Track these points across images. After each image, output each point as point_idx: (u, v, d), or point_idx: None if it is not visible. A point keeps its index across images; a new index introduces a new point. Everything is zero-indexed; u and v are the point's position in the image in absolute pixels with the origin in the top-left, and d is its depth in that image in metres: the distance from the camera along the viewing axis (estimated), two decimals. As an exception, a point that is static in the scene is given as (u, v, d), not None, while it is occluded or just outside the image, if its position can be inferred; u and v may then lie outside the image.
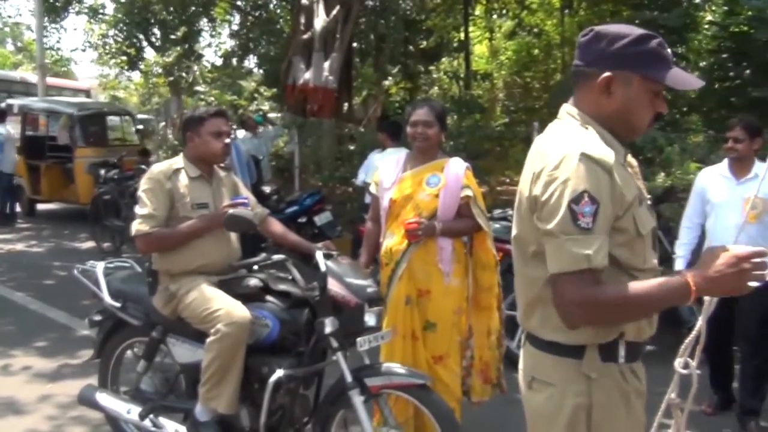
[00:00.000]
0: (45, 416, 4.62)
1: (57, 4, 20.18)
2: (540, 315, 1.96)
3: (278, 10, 20.44)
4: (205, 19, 21.41)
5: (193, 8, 19.19)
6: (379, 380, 3.33)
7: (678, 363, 1.97)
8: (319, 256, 3.50)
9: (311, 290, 3.43)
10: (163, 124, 21.00)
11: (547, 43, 20.47)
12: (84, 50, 28.70)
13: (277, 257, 3.61)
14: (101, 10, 22.15)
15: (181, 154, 3.84)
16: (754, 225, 4.30)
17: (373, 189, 4.19)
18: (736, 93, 10.88)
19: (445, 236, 3.83)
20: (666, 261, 5.14)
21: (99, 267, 4.09)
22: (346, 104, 16.28)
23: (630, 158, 2.04)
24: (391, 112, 15.35)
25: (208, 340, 3.42)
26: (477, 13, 20.67)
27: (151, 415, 3.75)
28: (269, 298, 3.57)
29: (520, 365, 2.12)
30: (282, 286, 3.59)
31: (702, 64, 12.99)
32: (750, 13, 10.76)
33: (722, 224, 4.40)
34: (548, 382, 1.96)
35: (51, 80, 19.94)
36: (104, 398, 3.95)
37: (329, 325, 3.33)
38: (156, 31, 20.86)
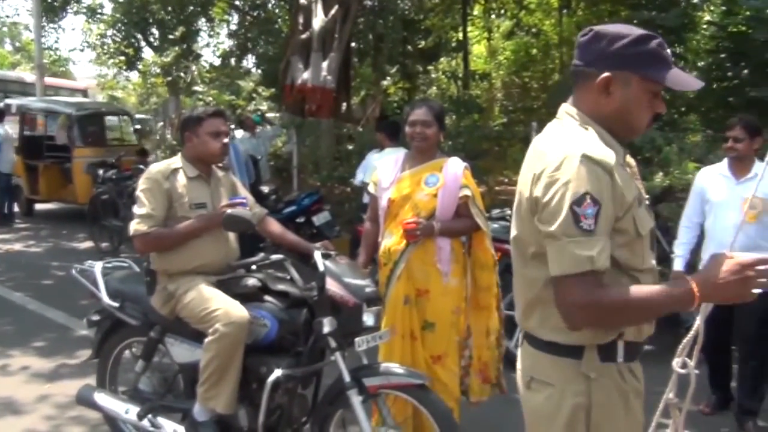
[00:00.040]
0: (43, 416, 4.62)
1: (55, 3, 20.16)
2: (539, 315, 1.96)
3: (276, 10, 20.43)
4: (203, 19, 21.41)
5: (192, 8, 19.18)
6: (378, 380, 3.33)
7: (676, 363, 1.97)
8: (317, 255, 3.50)
9: (310, 290, 3.43)
10: (162, 124, 20.98)
11: (546, 43, 20.47)
12: (82, 50, 28.65)
13: (275, 257, 3.61)
14: (99, 10, 22.14)
15: (179, 154, 3.83)
16: (753, 225, 4.30)
17: (371, 189, 4.19)
18: (735, 93, 10.89)
19: (444, 236, 3.83)
20: (664, 261, 5.15)
21: (97, 267, 4.09)
22: (344, 104, 16.27)
23: (628, 158, 2.04)
24: (390, 112, 15.35)
25: (207, 339, 3.42)
26: (475, 13, 20.68)
27: (150, 415, 3.75)
28: (268, 298, 3.57)
29: (518, 365, 2.12)
30: (280, 286, 3.59)
31: (700, 64, 13.00)
32: (748, 13, 10.76)
33: (721, 224, 4.39)
34: (547, 382, 1.96)
35: (48, 80, 19.91)
36: (102, 398, 3.95)
37: (327, 325, 3.33)
38: (154, 31, 20.85)
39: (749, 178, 4.39)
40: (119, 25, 20.67)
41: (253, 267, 3.73)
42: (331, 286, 3.39)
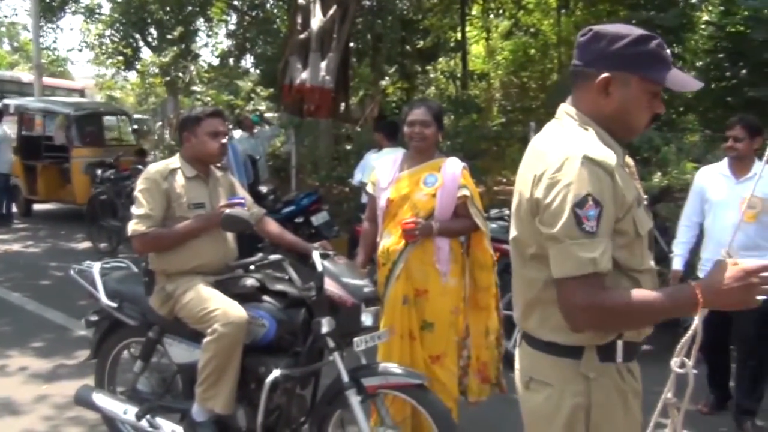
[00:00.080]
0: (41, 417, 4.62)
1: (53, 3, 20.19)
2: (538, 316, 1.96)
3: (275, 10, 20.45)
4: (201, 19, 21.44)
5: (190, 8, 19.20)
6: (376, 380, 3.33)
7: (674, 362, 1.97)
8: (315, 256, 3.50)
9: (308, 290, 3.43)
10: (160, 124, 20.99)
11: (544, 43, 20.49)
12: (80, 50, 28.70)
13: (273, 257, 3.61)
14: (98, 10, 22.16)
15: (178, 154, 3.83)
16: (752, 224, 4.29)
17: (370, 189, 4.19)
18: (733, 93, 10.90)
19: (443, 236, 3.83)
20: (663, 261, 5.15)
21: (95, 267, 4.08)
22: (343, 104, 16.29)
23: (627, 158, 2.04)
24: (388, 112, 15.35)
25: (205, 340, 3.42)
26: (474, 13, 20.71)
27: (148, 416, 3.74)
28: (266, 298, 3.57)
29: (517, 365, 2.12)
30: (279, 286, 3.59)
31: (698, 63, 13.01)
32: (746, 13, 10.78)
33: (720, 223, 4.39)
34: (546, 382, 1.96)
35: (45, 80, 19.84)
36: (101, 399, 3.94)
37: (326, 325, 3.33)
38: (153, 31, 20.88)
39: (749, 178, 4.38)
40: (117, 25, 20.70)
41: (252, 267, 3.73)
42: (330, 286, 3.39)
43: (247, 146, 10.39)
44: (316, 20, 13.31)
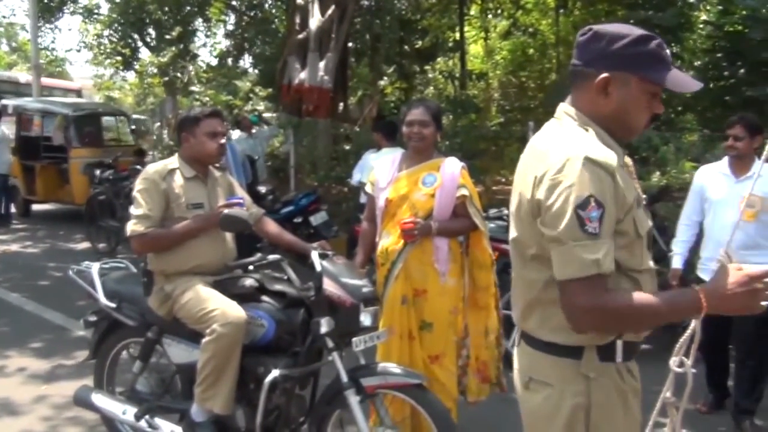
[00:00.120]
0: (40, 417, 4.61)
1: (51, 4, 20.16)
2: (538, 316, 1.96)
3: (273, 10, 20.44)
4: (200, 19, 21.43)
5: (188, 8, 19.20)
6: (375, 380, 3.33)
7: (673, 362, 1.97)
8: (314, 256, 3.50)
9: (307, 290, 3.43)
10: (158, 124, 20.98)
11: (542, 42, 20.50)
12: (79, 50, 28.69)
13: (272, 257, 3.60)
14: (96, 11, 22.15)
15: (176, 155, 3.83)
16: (752, 224, 4.28)
17: (368, 189, 4.19)
18: (731, 92, 10.91)
19: (441, 236, 3.83)
20: (661, 260, 5.15)
21: (94, 267, 4.08)
22: (341, 104, 16.29)
23: (626, 158, 2.04)
24: (387, 112, 15.36)
25: (204, 340, 3.42)
26: (472, 12, 20.70)
27: (147, 416, 3.74)
28: (265, 298, 3.57)
29: (515, 365, 2.12)
30: (277, 286, 3.59)
31: (697, 63, 13.04)
32: (744, 12, 10.79)
33: (720, 222, 4.38)
34: (546, 382, 1.95)
35: (42, 80, 19.83)
36: (100, 399, 3.94)
37: (325, 325, 3.33)
38: (151, 31, 20.88)
39: (749, 177, 4.37)
40: (116, 25, 20.70)
41: (250, 267, 3.73)
42: (328, 286, 3.39)
43: (246, 146, 10.39)
44: (315, 20, 13.31)
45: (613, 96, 1.89)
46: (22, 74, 24.29)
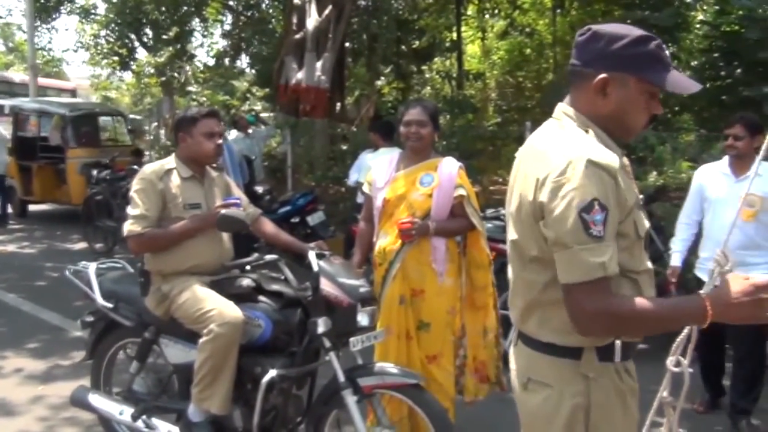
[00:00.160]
0: (37, 417, 4.61)
1: (48, 4, 20.13)
2: (538, 318, 1.95)
3: (270, 10, 20.43)
4: (197, 19, 21.42)
5: (185, 8, 19.18)
6: (372, 380, 3.33)
7: (670, 361, 1.97)
8: (311, 256, 3.50)
9: (304, 290, 3.43)
10: (155, 124, 20.95)
11: (539, 42, 20.49)
12: (76, 51, 28.65)
13: (269, 257, 3.61)
14: (93, 11, 22.11)
15: (173, 155, 3.82)
16: (751, 224, 4.28)
17: (366, 189, 4.19)
18: (728, 92, 10.91)
19: (439, 236, 3.83)
20: (658, 260, 5.16)
21: (91, 268, 4.08)
22: (338, 104, 16.28)
23: (623, 158, 2.04)
24: (384, 112, 15.35)
25: (201, 340, 3.42)
26: (469, 12, 20.70)
27: (144, 416, 3.74)
28: (262, 298, 3.57)
29: (513, 365, 2.11)
30: (275, 287, 3.59)
31: (693, 63, 13.03)
32: (741, 12, 10.79)
33: (719, 222, 4.37)
34: (545, 383, 1.95)
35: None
36: (97, 399, 3.94)
37: (322, 325, 3.33)
38: (148, 31, 20.85)
39: (749, 177, 4.36)
40: (113, 25, 20.67)
41: (248, 267, 3.73)
42: (326, 286, 3.39)
43: (243, 146, 10.37)
44: (312, 20, 13.31)
45: (612, 97, 1.88)
46: (17, 74, 24.27)
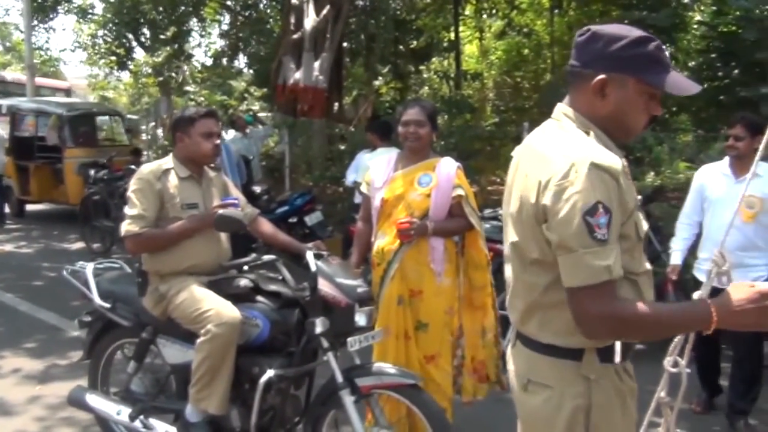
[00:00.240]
0: (34, 417, 4.60)
1: (46, 3, 20.10)
2: (538, 320, 1.95)
3: (268, 10, 20.41)
4: (194, 19, 21.37)
5: (183, 8, 19.15)
6: (370, 380, 3.33)
7: (667, 361, 1.97)
8: (309, 256, 3.50)
9: (302, 290, 3.43)
10: (153, 124, 20.93)
11: (537, 43, 20.49)
12: (73, 50, 28.61)
13: (267, 257, 3.60)
14: (90, 10, 22.08)
15: (171, 155, 3.82)
16: (750, 225, 4.28)
17: (364, 189, 4.19)
18: (725, 92, 10.93)
19: (437, 236, 3.83)
20: (656, 260, 5.16)
21: (88, 268, 4.07)
22: (336, 104, 16.26)
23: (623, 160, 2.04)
24: (382, 112, 15.36)
25: (199, 340, 3.42)
26: (467, 13, 20.68)
27: (142, 416, 3.74)
28: (259, 298, 3.57)
29: (511, 366, 2.11)
30: (272, 287, 3.59)
31: (691, 63, 13.06)
32: (738, 13, 10.81)
33: (718, 222, 4.35)
34: (546, 384, 1.94)
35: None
36: (94, 399, 3.93)
37: (320, 326, 3.33)
38: (145, 31, 20.81)
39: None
40: (110, 25, 20.63)
41: (245, 267, 3.72)
42: (323, 286, 3.39)
43: (241, 146, 10.37)
44: (310, 20, 13.30)
45: (611, 98, 1.88)
46: (9, 73, 24.22)
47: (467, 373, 4.00)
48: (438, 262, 3.84)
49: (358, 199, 6.41)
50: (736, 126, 4.41)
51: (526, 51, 21.05)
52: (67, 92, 24.70)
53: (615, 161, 1.79)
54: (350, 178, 7.79)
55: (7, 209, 13.12)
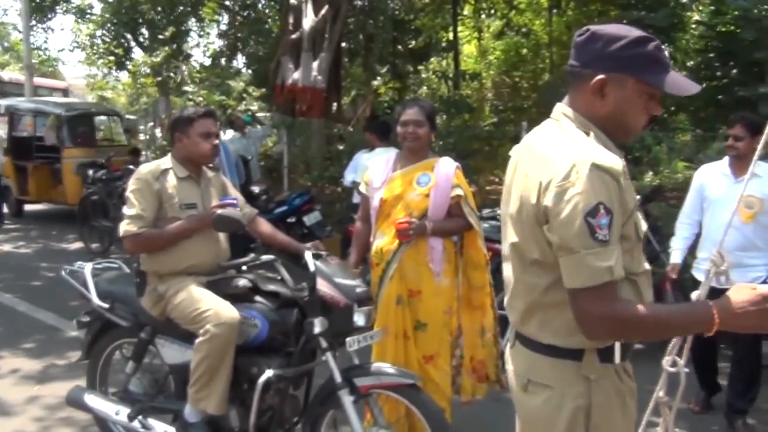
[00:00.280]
0: (33, 417, 4.60)
1: (44, 4, 20.09)
2: (538, 320, 1.95)
3: (267, 10, 20.40)
4: (193, 19, 21.37)
5: (182, 8, 19.13)
6: (369, 380, 3.33)
7: (666, 361, 1.97)
8: (308, 256, 3.50)
9: (300, 290, 3.42)
10: (151, 124, 20.93)
11: (536, 42, 20.51)
12: (72, 50, 28.59)
13: (266, 257, 3.60)
14: (89, 10, 22.08)
15: (169, 155, 3.82)
16: (749, 225, 4.28)
17: (362, 188, 4.19)
18: (723, 92, 10.95)
19: (436, 236, 3.83)
20: (654, 260, 5.16)
21: (87, 268, 4.07)
22: (335, 104, 16.26)
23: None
24: (380, 112, 15.35)
25: (197, 340, 3.41)
26: (465, 12, 20.69)
27: (140, 417, 3.74)
28: (258, 298, 3.57)
29: (510, 367, 2.10)
30: (271, 287, 3.59)
31: (689, 63, 13.07)
32: (736, 12, 10.83)
33: (717, 222, 4.34)
34: (546, 384, 1.94)
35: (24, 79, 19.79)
36: (93, 399, 3.93)
37: (318, 326, 3.33)
38: (144, 31, 20.81)
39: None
40: (109, 25, 20.63)
41: (244, 267, 3.72)
42: (322, 286, 3.39)
43: (239, 146, 10.37)
44: (308, 20, 13.30)
45: (610, 98, 1.87)
46: (7, 73, 24.21)
47: (466, 373, 4.00)
48: (437, 262, 3.84)
49: (356, 199, 6.40)
50: (736, 126, 4.40)
51: (524, 51, 21.07)
52: (65, 92, 24.68)
53: (616, 162, 1.79)
54: (349, 178, 7.79)
55: (5, 209, 13.10)
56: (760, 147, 1.94)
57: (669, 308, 1.79)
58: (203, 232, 3.67)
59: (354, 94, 20.04)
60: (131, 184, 3.65)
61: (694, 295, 1.90)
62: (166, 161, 3.76)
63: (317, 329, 3.32)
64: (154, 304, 3.66)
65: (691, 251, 4.75)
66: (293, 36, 13.54)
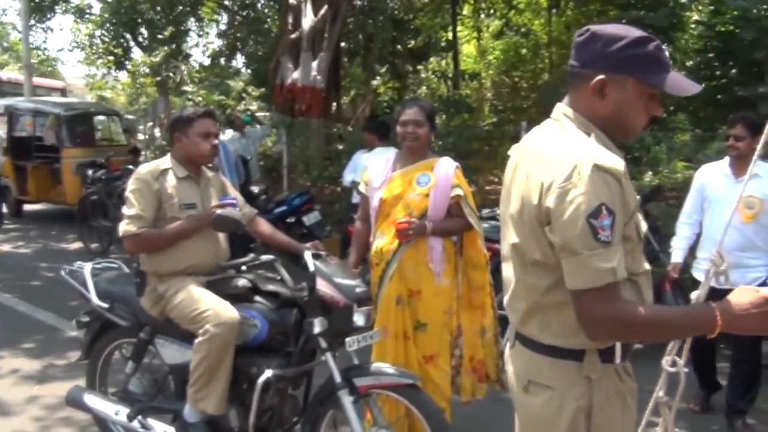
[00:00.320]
0: (32, 417, 4.60)
1: (43, 3, 20.08)
2: (539, 321, 1.94)
3: (266, 10, 20.40)
4: (192, 19, 21.37)
5: (181, 8, 19.14)
6: (368, 380, 3.33)
7: (666, 361, 1.98)
8: (307, 256, 3.50)
9: (300, 290, 3.43)
10: (151, 124, 20.92)
11: (535, 42, 20.51)
12: (71, 50, 28.59)
13: (265, 257, 3.60)
14: (88, 10, 22.07)
15: (169, 155, 3.82)
16: (750, 225, 4.28)
17: (362, 188, 4.19)
18: (723, 92, 10.96)
19: (436, 236, 3.83)
20: (654, 260, 5.16)
21: (86, 268, 4.07)
22: (334, 104, 16.26)
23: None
24: (380, 112, 15.35)
25: (197, 340, 3.41)
26: (465, 12, 20.69)
27: (140, 417, 3.73)
28: (258, 298, 3.57)
29: (510, 367, 2.10)
30: (271, 287, 3.59)
31: (689, 63, 13.08)
32: (735, 12, 10.84)
33: (717, 222, 4.34)
34: (547, 385, 1.93)
35: (23, 78, 19.78)
36: (92, 399, 3.93)
37: (318, 326, 3.33)
38: (143, 30, 20.81)
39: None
40: (108, 25, 20.63)
41: (244, 267, 3.72)
42: (322, 286, 3.39)
43: (239, 146, 10.37)
44: (307, 20, 13.30)
45: (610, 98, 1.87)
46: (6, 73, 24.21)
47: (466, 373, 4.00)
48: (437, 262, 3.84)
49: (356, 199, 6.40)
50: (737, 126, 4.39)
51: (523, 51, 21.06)
52: (63, 92, 24.66)
53: (617, 162, 1.78)
54: (348, 178, 7.79)
55: (4, 209, 13.07)
56: (760, 147, 1.94)
57: (671, 310, 1.79)
58: (203, 232, 3.67)
59: (353, 93, 20.05)
60: (131, 184, 3.65)
61: (694, 294, 1.90)
62: (166, 161, 3.76)
63: (317, 329, 3.32)
64: (154, 304, 3.66)
65: (691, 251, 4.75)
66: (292, 36, 13.54)
